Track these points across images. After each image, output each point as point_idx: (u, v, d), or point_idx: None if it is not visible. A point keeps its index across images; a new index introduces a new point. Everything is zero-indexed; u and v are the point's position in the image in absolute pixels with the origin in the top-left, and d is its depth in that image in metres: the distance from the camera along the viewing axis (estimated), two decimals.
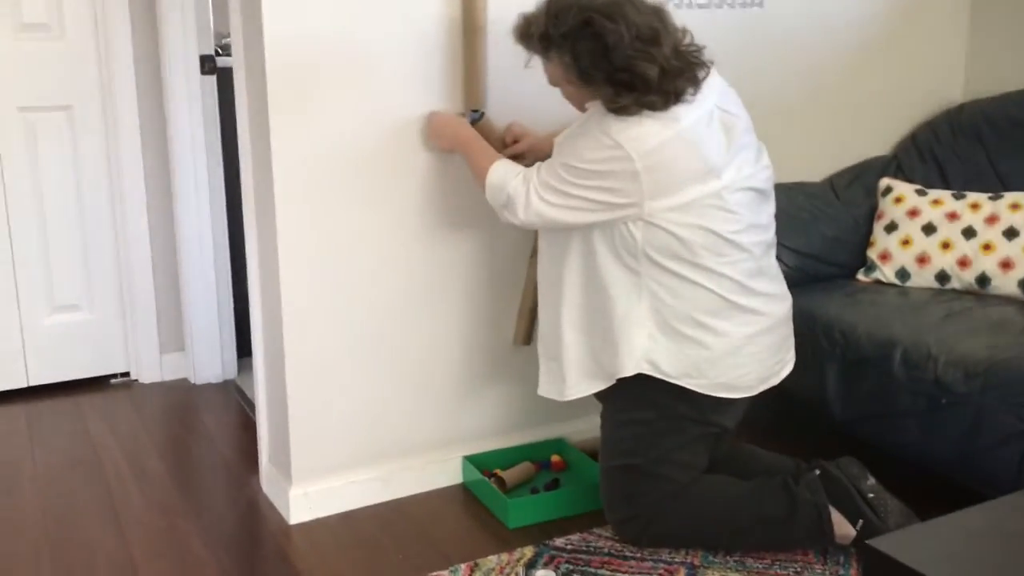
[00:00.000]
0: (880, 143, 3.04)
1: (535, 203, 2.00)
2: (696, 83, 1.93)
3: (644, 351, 1.97)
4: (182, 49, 3.09)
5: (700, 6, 2.64)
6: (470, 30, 2.28)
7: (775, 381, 2.08)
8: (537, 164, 2.05)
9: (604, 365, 2.05)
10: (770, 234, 2.06)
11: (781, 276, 2.11)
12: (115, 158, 3.17)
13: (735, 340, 1.97)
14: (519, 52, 2.35)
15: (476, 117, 2.32)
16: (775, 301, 2.05)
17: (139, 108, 3.15)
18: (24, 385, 3.20)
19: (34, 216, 3.11)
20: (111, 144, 3.16)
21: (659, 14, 1.93)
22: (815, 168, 2.91)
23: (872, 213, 2.82)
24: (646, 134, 1.87)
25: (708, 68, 1.97)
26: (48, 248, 3.15)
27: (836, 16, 2.90)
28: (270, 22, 2.11)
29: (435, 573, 2.09)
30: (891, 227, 2.72)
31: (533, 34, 1.95)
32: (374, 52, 2.22)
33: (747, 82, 2.76)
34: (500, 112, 2.35)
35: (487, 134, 2.33)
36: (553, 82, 2.04)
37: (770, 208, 2.07)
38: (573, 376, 2.09)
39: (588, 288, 2.03)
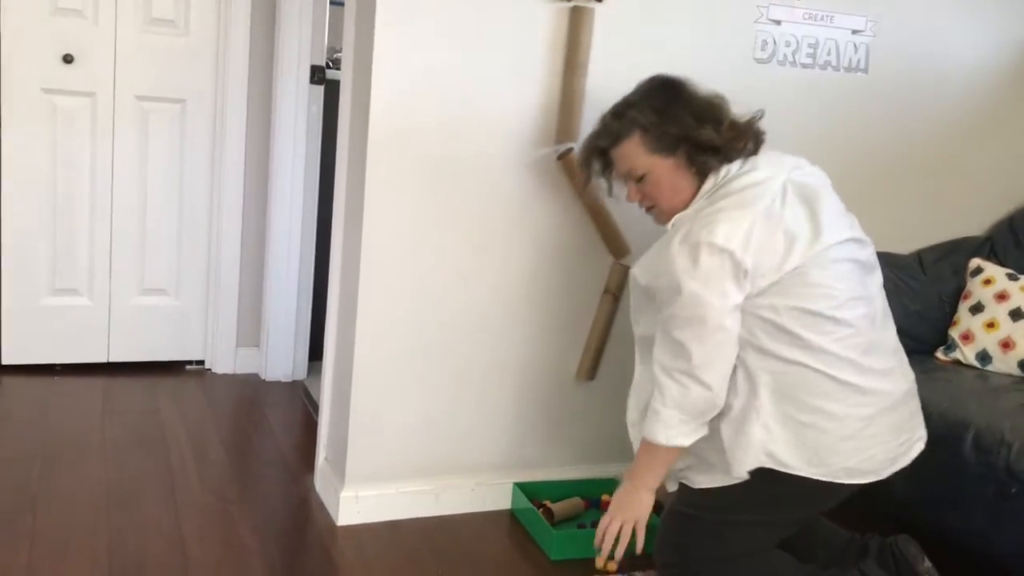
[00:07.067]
0: (974, 223, 2.98)
1: (687, 384, 1.84)
2: (758, 140, 1.95)
3: (762, 445, 1.86)
4: (295, 58, 3.22)
5: (804, 66, 2.64)
6: (571, 66, 2.32)
7: (905, 462, 1.93)
8: (656, 362, 1.90)
9: (719, 464, 1.93)
10: (876, 306, 1.95)
11: (900, 349, 1.98)
12: (219, 155, 3.30)
13: (853, 423, 1.85)
14: (616, 94, 2.40)
15: (564, 151, 2.35)
16: (894, 378, 1.92)
17: (247, 110, 3.28)
18: (104, 360, 3.33)
19: (136, 200, 3.26)
20: (217, 141, 3.30)
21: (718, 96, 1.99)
22: (905, 240, 2.86)
23: (958, 292, 2.76)
24: (732, 229, 1.81)
25: (763, 133, 1.97)
26: (145, 232, 3.29)
27: (943, 90, 2.87)
28: (380, 46, 2.19)
29: None
30: (977, 308, 2.66)
31: (604, 121, 2.00)
32: (475, 84, 2.29)
33: (845, 146, 2.77)
34: None
35: (573, 169, 2.36)
36: (631, 170, 1.97)
37: (875, 279, 1.98)
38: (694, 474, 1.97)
39: None
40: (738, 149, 1.91)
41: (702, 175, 1.93)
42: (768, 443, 1.85)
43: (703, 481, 1.94)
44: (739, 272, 1.81)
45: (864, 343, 1.88)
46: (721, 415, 1.90)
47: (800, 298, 1.83)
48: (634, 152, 1.95)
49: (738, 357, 1.87)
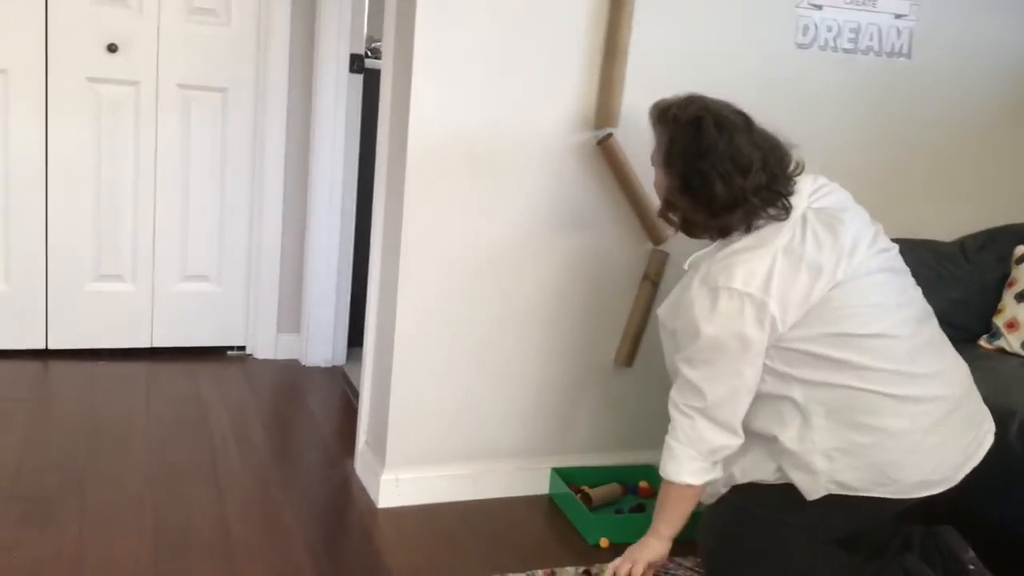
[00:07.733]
0: (1019, 210, 2.93)
1: (699, 423, 1.87)
2: (749, 222, 1.86)
3: (827, 474, 1.83)
4: (335, 47, 3.24)
5: (846, 51, 2.62)
6: (611, 50, 2.32)
7: (975, 462, 1.87)
8: (671, 399, 1.94)
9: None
10: (917, 306, 1.92)
11: (947, 344, 1.95)
12: (260, 144, 3.33)
13: (915, 436, 1.81)
14: (656, 79, 2.40)
15: (604, 136, 2.35)
16: (948, 378, 1.88)
17: (288, 98, 3.31)
18: (148, 345, 3.38)
19: (179, 187, 3.30)
20: (258, 129, 3.33)
21: (775, 150, 1.87)
22: (948, 227, 2.82)
23: (1002, 280, 2.72)
24: (751, 271, 1.80)
25: (785, 212, 1.86)
26: (188, 219, 3.33)
27: (987, 76, 2.83)
28: (421, 33, 2.21)
29: (512, 575, 2.11)
30: (1022, 296, 2.62)
31: (657, 106, 1.94)
32: (514, 67, 2.29)
33: (887, 133, 2.74)
34: (630, 136, 2.37)
35: (613, 154, 2.36)
36: (653, 161, 1.99)
37: (908, 281, 1.96)
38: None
39: (753, 434, 1.92)
40: (697, 232, 1.91)
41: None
42: (833, 472, 1.83)
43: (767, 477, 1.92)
44: (762, 315, 1.79)
45: (911, 348, 1.85)
46: (774, 448, 1.88)
47: (831, 324, 1.81)
48: (656, 148, 1.95)
49: (782, 391, 1.85)
